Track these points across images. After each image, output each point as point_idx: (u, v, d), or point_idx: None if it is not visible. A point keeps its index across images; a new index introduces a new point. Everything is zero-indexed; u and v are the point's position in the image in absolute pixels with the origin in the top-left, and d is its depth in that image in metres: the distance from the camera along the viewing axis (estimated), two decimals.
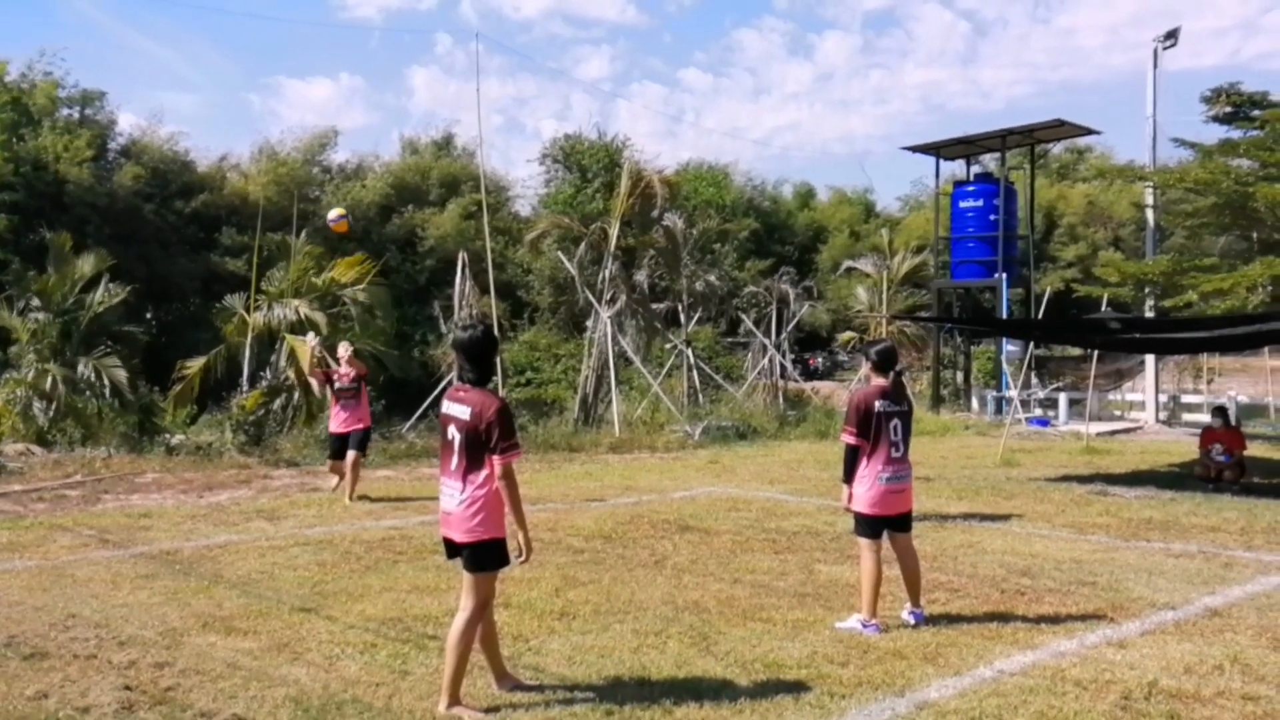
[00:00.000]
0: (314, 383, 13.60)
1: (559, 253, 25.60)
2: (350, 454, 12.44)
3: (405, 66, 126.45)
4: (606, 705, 5.30)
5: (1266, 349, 29.35)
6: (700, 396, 24.14)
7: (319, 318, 20.28)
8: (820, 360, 43.33)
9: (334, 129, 45.47)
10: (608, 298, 21.90)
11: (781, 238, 51.90)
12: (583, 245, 22.89)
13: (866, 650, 6.35)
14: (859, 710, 5.31)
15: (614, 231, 22.40)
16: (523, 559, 5.31)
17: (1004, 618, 7.15)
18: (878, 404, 6.93)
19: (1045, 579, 8.46)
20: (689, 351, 24.43)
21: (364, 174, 40.21)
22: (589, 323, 22.54)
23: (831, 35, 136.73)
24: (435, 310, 26.99)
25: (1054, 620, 7.14)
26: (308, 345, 13.88)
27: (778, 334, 25.93)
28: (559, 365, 31.99)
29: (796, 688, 5.62)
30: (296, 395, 19.70)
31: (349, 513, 11.55)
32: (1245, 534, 10.71)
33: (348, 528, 10.56)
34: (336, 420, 12.74)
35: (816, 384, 32.65)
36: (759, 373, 25.80)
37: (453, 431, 5.29)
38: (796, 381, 27.83)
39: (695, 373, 24.37)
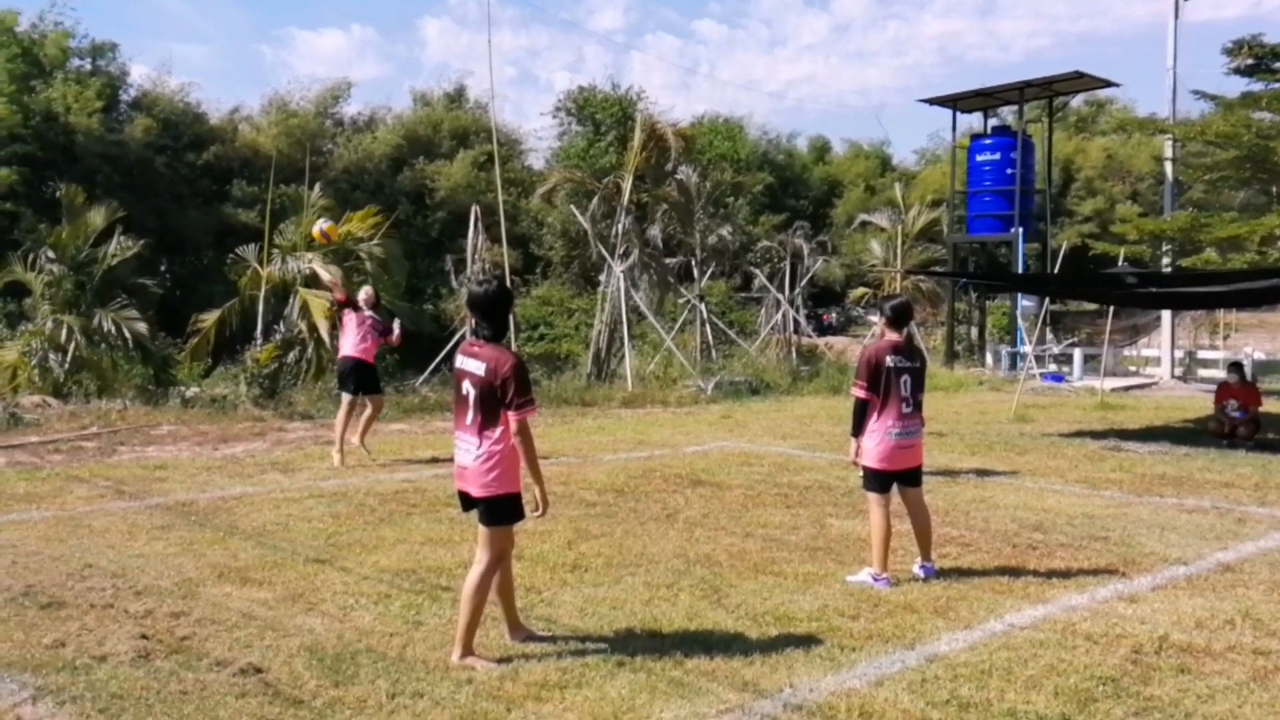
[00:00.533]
0: (334, 294, 12.67)
1: (571, 207, 25.49)
2: (374, 396, 12.11)
3: (417, 17, 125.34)
4: (619, 656, 5.33)
5: None
6: (713, 352, 24.13)
7: (333, 270, 20.27)
8: (834, 316, 43.25)
9: (346, 80, 45.32)
10: (620, 252, 21.82)
11: (796, 192, 51.57)
12: (595, 199, 22.78)
13: (877, 604, 6.37)
14: (869, 663, 5.33)
15: (627, 185, 22.26)
16: (539, 513, 5.33)
17: (1015, 572, 7.16)
18: (889, 359, 6.90)
19: (1057, 534, 8.46)
20: (702, 306, 24.38)
21: (376, 126, 40.05)
22: (602, 277, 22.49)
23: None
24: (447, 264, 26.96)
25: (1065, 575, 7.15)
26: (325, 273, 13.52)
27: (791, 289, 25.83)
28: (572, 320, 32.02)
29: (807, 640, 5.64)
30: (310, 348, 19.74)
31: (364, 465, 11.60)
32: (1259, 490, 10.69)
33: (361, 480, 10.62)
34: (357, 346, 11.87)
35: (830, 339, 32.63)
36: (772, 328, 25.75)
37: (467, 387, 5.28)
38: (810, 337, 27.78)
39: (708, 328, 24.34)
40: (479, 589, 5.29)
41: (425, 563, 7.24)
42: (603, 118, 41.47)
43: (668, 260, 24.64)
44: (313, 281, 19.66)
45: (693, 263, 24.89)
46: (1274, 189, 23.05)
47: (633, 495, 9.96)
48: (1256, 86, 22.35)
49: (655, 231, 24.30)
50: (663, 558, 7.46)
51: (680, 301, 26.14)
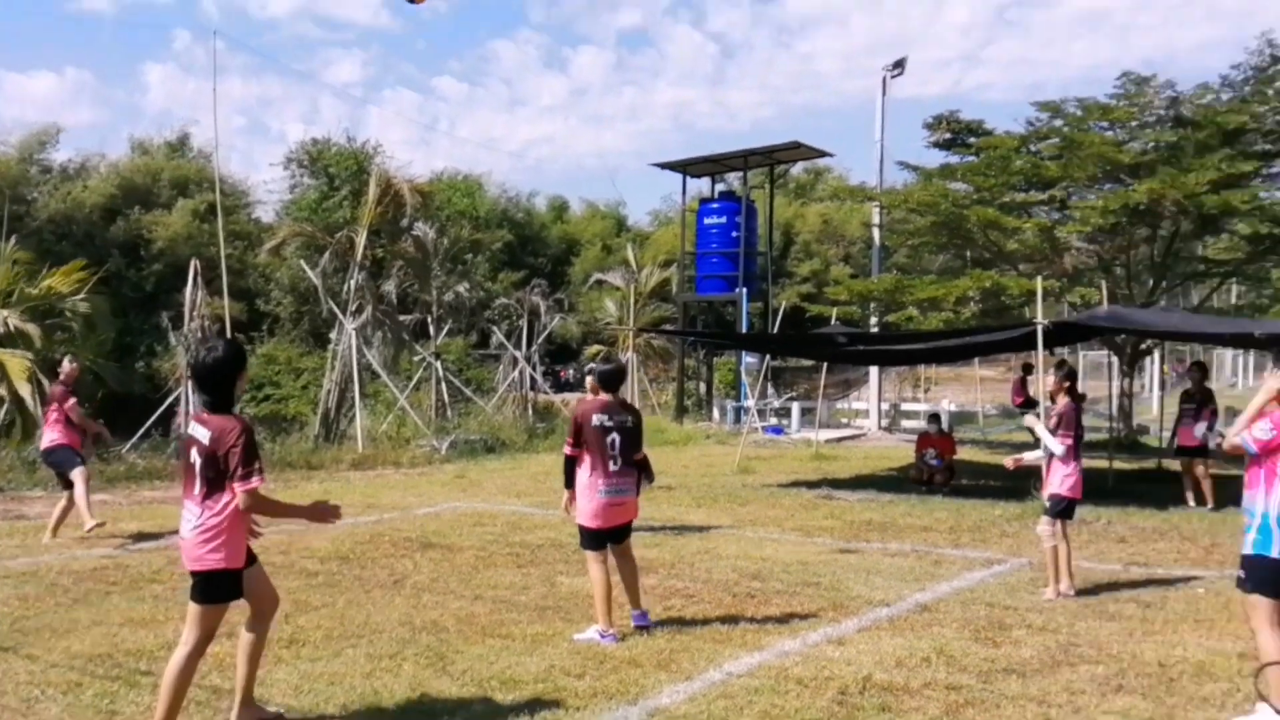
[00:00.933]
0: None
1: (301, 261, 24.66)
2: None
3: (139, 62, 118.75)
4: None
5: (976, 360, 31.95)
6: (449, 410, 23.85)
7: (31, 329, 18.65)
8: (572, 372, 43.77)
9: (56, 125, 42.10)
10: (353, 308, 21.28)
11: (535, 250, 52.13)
12: (327, 254, 22.16)
13: (603, 660, 6.43)
14: None
15: (361, 240, 21.79)
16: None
17: (734, 620, 7.42)
18: (595, 417, 7.10)
19: (774, 581, 8.84)
20: (438, 364, 24.10)
21: (88, 174, 37.46)
22: (333, 334, 21.83)
23: (586, 50, 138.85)
24: (163, 320, 25.42)
25: (780, 621, 7.47)
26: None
27: (528, 346, 25.97)
28: (299, 380, 30.86)
29: (532, 703, 5.61)
30: (5, 412, 18.02)
31: (57, 542, 10.64)
32: (953, 533, 11.57)
33: (55, 558, 9.73)
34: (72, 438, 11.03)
35: (567, 395, 32.94)
36: (509, 385, 25.77)
37: (194, 455, 4.97)
38: (546, 394, 27.97)
39: (444, 386, 24.06)
40: (183, 672, 4.95)
41: (123, 646, 6.70)
42: (337, 171, 40.53)
43: (403, 317, 24.23)
44: (7, 340, 18.03)
45: (429, 319, 24.60)
46: (968, 253, 25.16)
47: (358, 562, 9.65)
48: (954, 159, 24.48)
49: (391, 287, 23.87)
50: (387, 626, 7.25)
51: (415, 359, 25.74)
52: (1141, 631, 7.28)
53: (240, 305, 27.71)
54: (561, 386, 38.14)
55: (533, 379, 26.10)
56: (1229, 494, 11.46)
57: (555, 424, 23.88)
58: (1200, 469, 13.49)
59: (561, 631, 7.12)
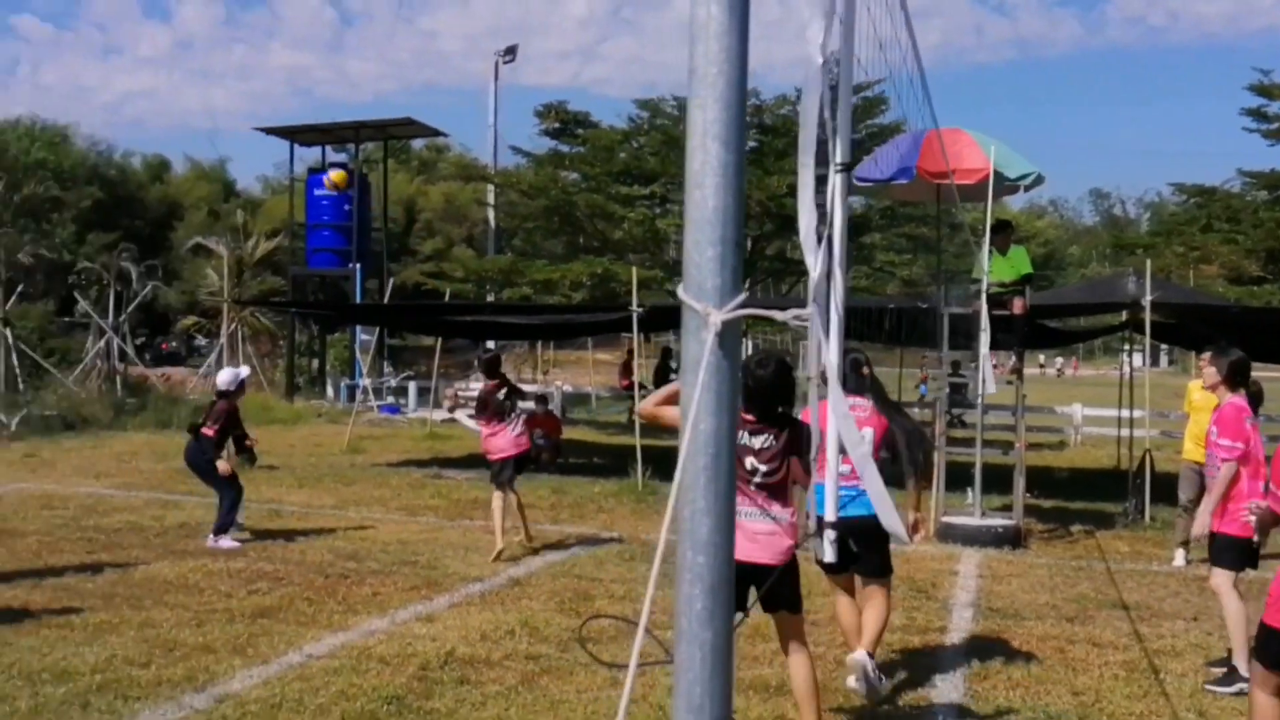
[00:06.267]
0: None
1: None
2: None
3: None
4: None
5: (590, 344, 33.28)
6: (21, 383, 21.49)
7: None
8: (174, 344, 40.82)
9: None
10: None
11: (131, 211, 47.93)
12: None
13: (173, 648, 6.10)
14: (153, 711, 5.08)
15: None
16: None
17: (322, 602, 7.29)
18: None
19: (370, 561, 8.77)
20: (7, 332, 21.62)
21: None
22: None
23: (191, 1, 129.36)
24: None
25: (371, 601, 7.43)
26: None
27: (116, 315, 23.92)
28: None
29: (87, 695, 5.23)
30: None
31: None
32: (554, 509, 11.99)
33: None
34: None
35: (166, 370, 30.70)
36: (95, 357, 23.62)
37: None
38: (139, 367, 25.90)
39: (15, 356, 21.63)
40: None
41: None
42: None
43: None
44: None
45: None
46: (579, 239, 26.12)
47: None
48: (564, 148, 25.31)
49: None
50: None
51: None
52: None
53: None
54: (164, 359, 35.49)
55: (122, 351, 24.07)
56: None
57: (148, 400, 22.16)
58: None
59: (129, 619, 6.67)
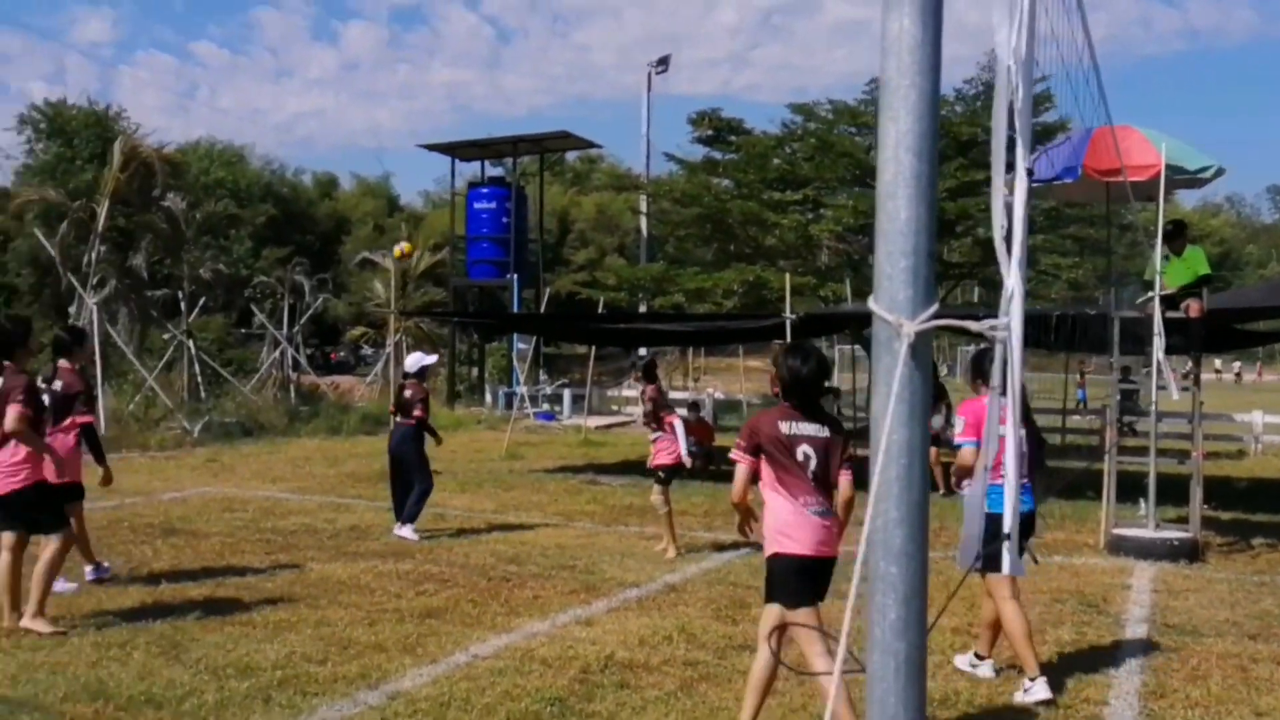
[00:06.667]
0: None
1: (36, 231, 22.89)
2: None
3: None
4: None
5: (742, 351, 33.16)
6: (203, 391, 22.74)
7: None
8: (342, 354, 42.57)
9: None
10: (94, 281, 19.96)
11: (302, 227, 50.29)
12: (65, 222, 20.68)
13: (347, 646, 6.35)
14: (330, 706, 5.29)
15: (103, 210, 20.47)
16: None
17: (486, 604, 7.47)
18: None
19: (530, 565, 8.94)
20: (190, 343, 22.92)
21: None
22: (72, 309, 20.42)
23: (357, 25, 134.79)
24: None
25: (532, 603, 7.57)
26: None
27: (290, 326, 25.09)
28: (43, 354, 28.65)
29: (268, 690, 5.48)
30: None
31: None
32: (707, 516, 12.00)
33: None
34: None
35: (336, 378, 32.03)
36: (270, 366, 24.82)
37: None
38: (311, 375, 27.11)
39: (197, 366, 22.92)
40: None
41: None
42: (76, 131, 37.58)
43: (153, 293, 22.92)
44: None
45: (180, 295, 23.35)
46: (731, 246, 26.10)
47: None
48: (717, 155, 25.32)
49: (139, 261, 22.52)
50: (119, 614, 6.90)
51: (165, 337, 24.38)
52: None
53: None
54: (332, 368, 37.05)
55: (296, 360, 25.22)
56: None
57: (320, 408, 23.17)
58: (933, 455, 14.53)
59: (306, 618, 6.97)
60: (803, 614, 4.74)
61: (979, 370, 6.38)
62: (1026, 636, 5.72)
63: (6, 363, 6.64)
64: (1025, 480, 4.65)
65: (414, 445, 10.35)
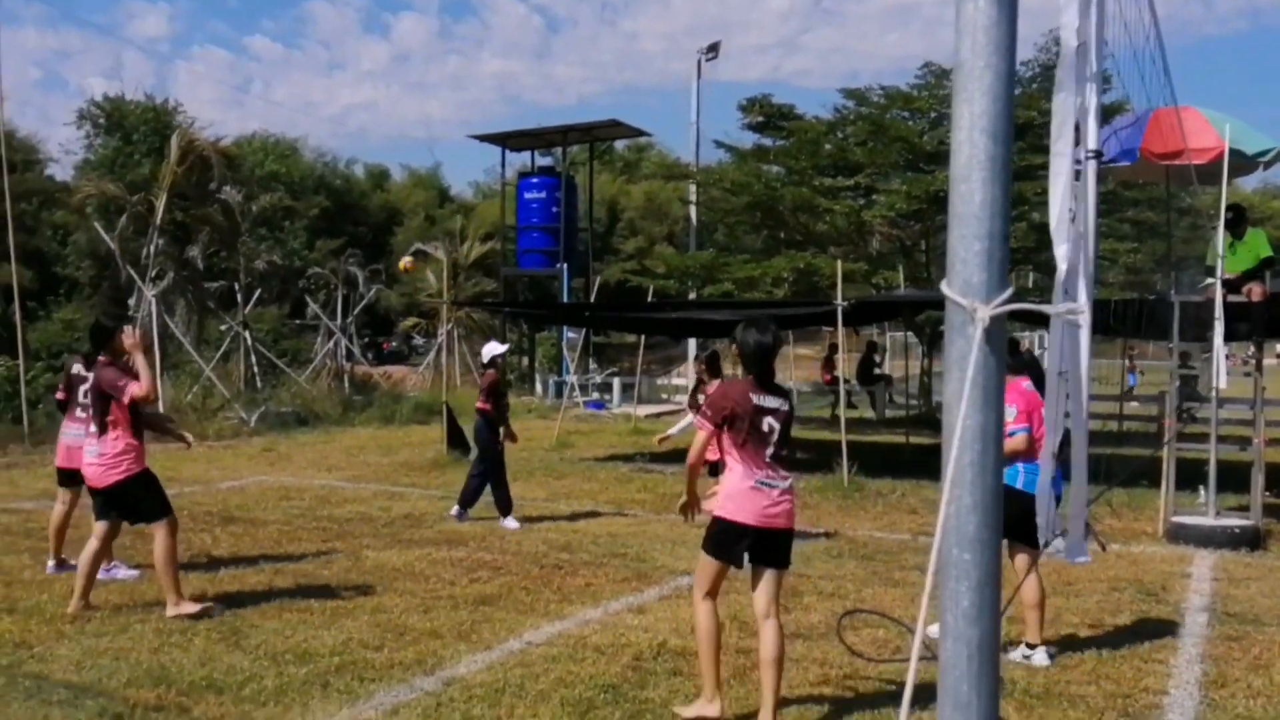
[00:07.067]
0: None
1: (96, 224, 23.31)
2: None
3: None
4: (116, 708, 4.95)
5: (791, 338, 32.98)
6: (258, 381, 23.05)
7: None
8: (395, 344, 42.96)
9: None
10: (153, 274, 20.30)
11: (355, 218, 50.73)
12: (125, 216, 21.05)
13: (403, 633, 6.41)
14: (387, 692, 5.35)
15: (161, 203, 20.80)
16: None
17: (539, 591, 7.51)
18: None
19: (582, 553, 8.96)
20: (246, 334, 23.25)
21: None
22: (131, 301, 20.79)
23: (408, 16, 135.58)
24: None
25: (585, 591, 7.60)
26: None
27: (344, 317, 25.35)
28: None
29: (326, 675, 5.56)
30: None
31: None
32: None
33: None
34: None
35: (388, 368, 32.33)
36: (324, 356, 25.10)
37: None
38: (364, 365, 27.39)
39: (253, 356, 23.24)
40: None
41: None
42: (134, 126, 38.22)
43: (209, 284, 23.26)
44: None
45: (236, 287, 23.68)
46: (781, 234, 25.91)
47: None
48: (767, 141, 25.13)
49: (195, 253, 22.87)
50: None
51: (223, 328, 24.75)
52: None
53: (30, 273, 25.94)
54: (385, 358, 37.40)
55: (349, 350, 25.49)
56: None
57: (373, 398, 23.40)
58: None
59: (362, 605, 7.04)
60: (757, 578, 5.13)
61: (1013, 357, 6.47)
62: (1038, 606, 6.05)
63: (100, 356, 6.83)
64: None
65: (483, 434, 10.60)
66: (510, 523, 10.16)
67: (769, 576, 5.12)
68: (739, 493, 5.01)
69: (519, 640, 6.29)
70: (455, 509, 10.41)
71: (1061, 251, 2.03)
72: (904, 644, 6.50)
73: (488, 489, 10.45)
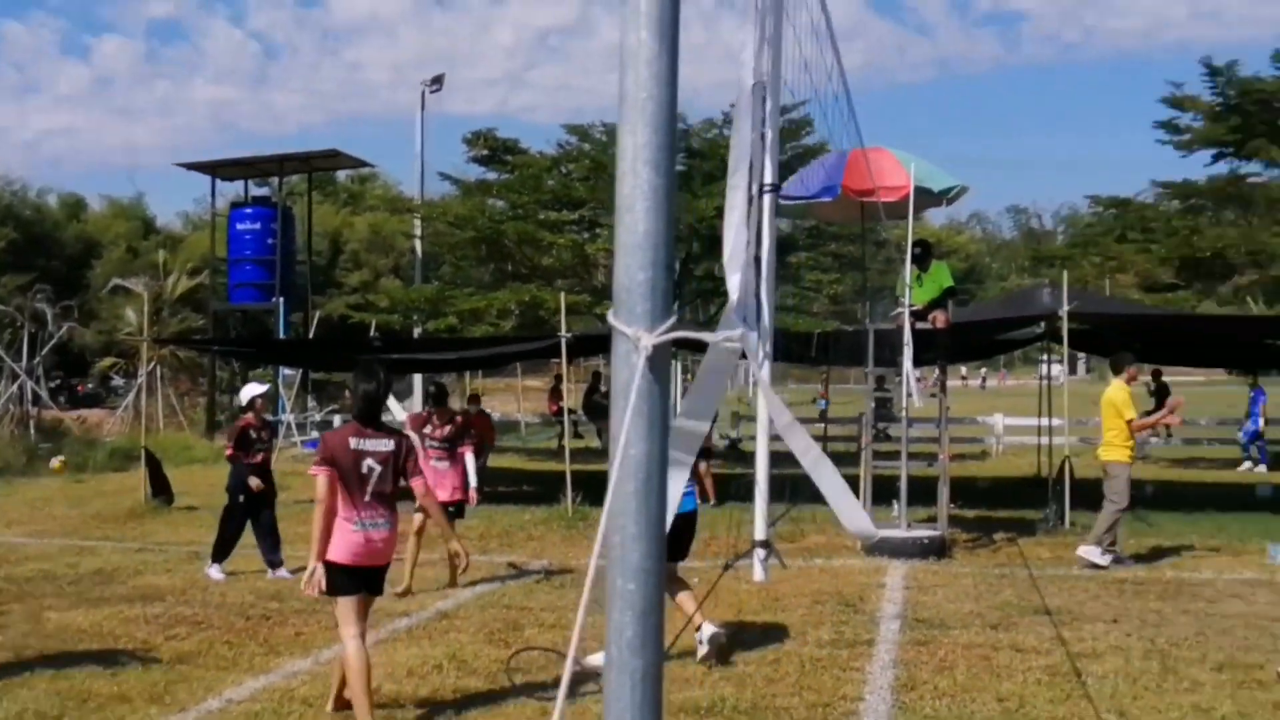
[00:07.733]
0: None
1: None
2: None
3: None
4: None
5: (519, 369, 32.96)
6: None
7: None
8: (90, 385, 39.71)
9: None
10: None
11: (47, 251, 46.61)
12: None
13: (86, 699, 5.85)
14: None
15: None
16: None
17: (244, 645, 7.06)
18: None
19: (294, 600, 8.49)
20: None
21: None
22: None
23: (111, 39, 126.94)
24: None
25: (294, 641, 7.21)
26: None
27: (30, 358, 23.18)
28: None
29: None
30: None
31: None
32: (483, 538, 11.81)
33: None
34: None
35: (83, 412, 29.84)
36: (6, 401, 22.84)
37: None
38: (54, 410, 25.14)
39: None
40: None
41: None
42: None
43: None
44: None
45: None
46: (508, 267, 25.92)
47: None
48: (492, 175, 25.13)
49: None
50: None
51: None
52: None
53: None
54: (79, 401, 34.46)
55: (35, 394, 23.31)
56: (728, 491, 12.73)
57: (63, 444, 21.46)
58: (703, 467, 14.80)
59: (40, 673, 6.38)
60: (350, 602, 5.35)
61: None
62: (691, 599, 6.57)
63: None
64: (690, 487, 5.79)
65: (230, 481, 10.18)
66: (215, 572, 9.54)
67: (368, 602, 5.49)
68: (339, 534, 5.28)
69: (218, 699, 5.88)
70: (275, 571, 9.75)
71: (734, 281, 2.09)
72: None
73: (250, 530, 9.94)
